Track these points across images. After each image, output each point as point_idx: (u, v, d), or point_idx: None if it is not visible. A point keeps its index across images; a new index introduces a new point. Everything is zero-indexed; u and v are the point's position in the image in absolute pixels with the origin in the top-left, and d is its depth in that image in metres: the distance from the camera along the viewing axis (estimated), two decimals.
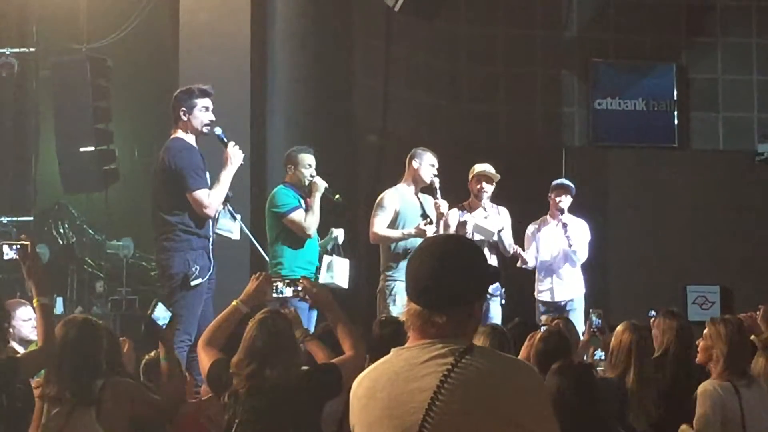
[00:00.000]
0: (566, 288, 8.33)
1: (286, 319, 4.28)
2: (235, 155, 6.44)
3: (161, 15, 10.88)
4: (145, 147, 11.53)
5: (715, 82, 12.13)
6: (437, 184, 7.50)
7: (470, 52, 11.78)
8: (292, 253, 7.07)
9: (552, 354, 4.61)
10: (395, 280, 7.26)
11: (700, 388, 4.63)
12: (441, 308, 2.43)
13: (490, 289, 7.41)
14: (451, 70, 11.71)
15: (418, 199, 7.57)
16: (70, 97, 10.58)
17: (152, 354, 5.08)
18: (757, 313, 5.60)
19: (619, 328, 5.13)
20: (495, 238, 7.92)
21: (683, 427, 4.64)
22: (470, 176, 8.06)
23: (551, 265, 8.35)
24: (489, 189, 8.00)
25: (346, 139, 9.81)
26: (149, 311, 4.64)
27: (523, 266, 8.31)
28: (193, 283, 6.18)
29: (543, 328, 5.48)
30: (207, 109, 6.44)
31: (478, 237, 7.75)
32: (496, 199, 8.10)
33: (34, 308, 4.46)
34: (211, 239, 6.41)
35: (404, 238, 7.36)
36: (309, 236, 7.09)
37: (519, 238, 8.32)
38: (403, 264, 6.86)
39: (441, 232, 7.46)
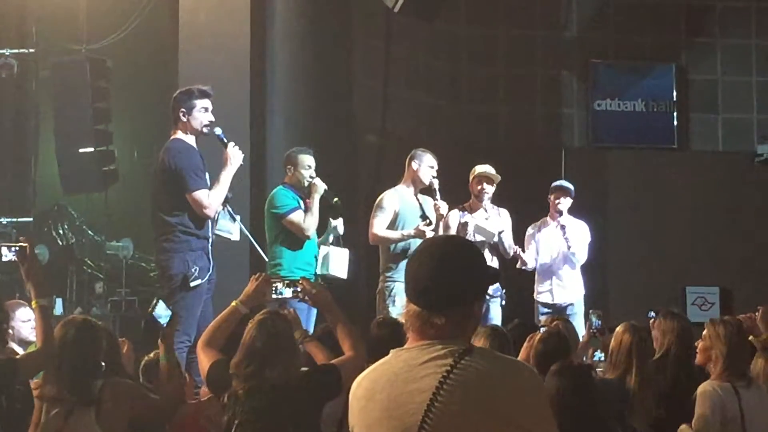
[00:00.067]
0: (566, 289, 8.33)
1: (285, 320, 4.28)
2: (235, 155, 6.44)
3: (161, 15, 10.88)
4: (144, 148, 11.52)
5: (715, 83, 12.13)
6: (437, 186, 7.50)
7: (470, 53, 11.78)
8: (291, 254, 7.07)
9: (551, 355, 4.61)
10: (395, 281, 7.26)
11: (700, 389, 4.64)
12: (440, 309, 2.43)
13: (490, 290, 7.43)
14: (451, 70, 11.71)
15: (418, 200, 7.57)
16: (70, 97, 10.58)
17: (151, 355, 5.08)
18: (756, 314, 5.60)
19: (619, 329, 5.13)
20: (495, 239, 7.92)
21: (683, 427, 4.65)
22: (471, 177, 8.06)
23: (551, 267, 8.35)
24: (490, 190, 8.00)
25: (345, 140, 9.81)
26: (150, 309, 4.64)
27: (523, 267, 8.31)
28: (192, 284, 6.18)
29: (542, 329, 5.47)
30: (206, 109, 6.44)
31: (478, 238, 7.75)
32: (495, 199, 8.10)
33: (33, 310, 4.46)
34: (210, 240, 6.41)
35: (403, 238, 7.36)
36: (308, 237, 7.09)
37: (519, 238, 8.31)
38: (403, 265, 6.84)
39: (441, 233, 7.45)
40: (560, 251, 8.32)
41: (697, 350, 4.85)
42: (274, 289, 4.52)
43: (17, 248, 4.31)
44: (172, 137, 6.45)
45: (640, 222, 11.54)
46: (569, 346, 5.13)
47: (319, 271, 7.08)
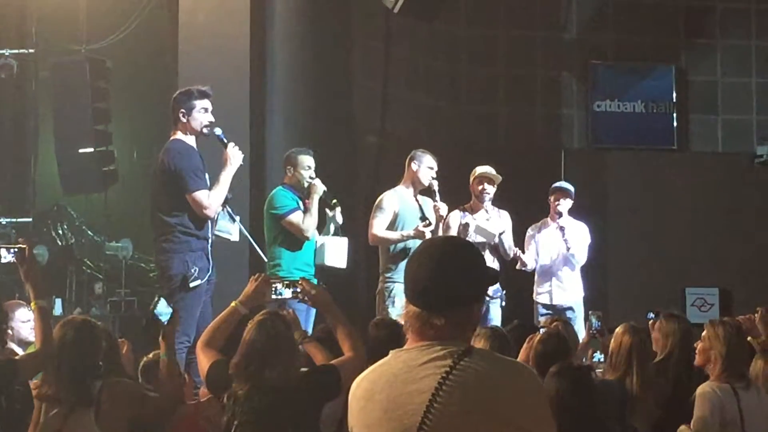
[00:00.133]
0: (565, 291, 8.33)
1: (285, 320, 4.28)
2: (235, 156, 6.44)
3: (160, 16, 10.88)
4: (144, 148, 11.53)
5: (715, 84, 12.13)
6: (436, 187, 7.50)
7: (470, 54, 11.79)
8: (290, 254, 7.07)
9: (551, 356, 4.61)
10: (394, 282, 7.26)
11: (699, 390, 4.64)
12: (440, 310, 2.43)
13: (491, 291, 7.44)
14: (451, 71, 11.71)
15: (417, 201, 7.57)
16: (70, 98, 10.58)
17: (150, 356, 5.07)
18: (755, 315, 5.59)
19: (619, 330, 5.13)
20: (496, 240, 7.92)
21: (682, 428, 4.64)
22: (472, 178, 8.06)
23: (550, 268, 8.35)
24: (491, 190, 8.00)
25: (345, 140, 9.82)
26: (151, 307, 4.65)
27: (523, 269, 8.31)
28: (192, 285, 6.18)
29: (542, 330, 5.47)
30: (206, 110, 6.44)
31: (479, 239, 7.75)
32: (495, 201, 8.10)
33: (32, 310, 4.46)
34: (210, 241, 6.41)
35: (403, 239, 7.36)
36: (307, 238, 7.09)
37: (518, 240, 8.31)
38: (402, 265, 6.85)
39: (441, 234, 7.46)
40: (560, 252, 8.32)
41: (696, 351, 4.85)
42: (273, 289, 4.52)
43: (16, 250, 4.31)
44: (171, 138, 6.45)
45: (640, 223, 11.54)
46: (569, 347, 5.13)
47: (316, 262, 7.09)
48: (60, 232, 11.80)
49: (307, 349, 4.66)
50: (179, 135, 6.42)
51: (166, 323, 4.62)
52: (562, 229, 8.29)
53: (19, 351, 5.29)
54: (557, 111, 12.00)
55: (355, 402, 2.50)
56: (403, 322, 2.53)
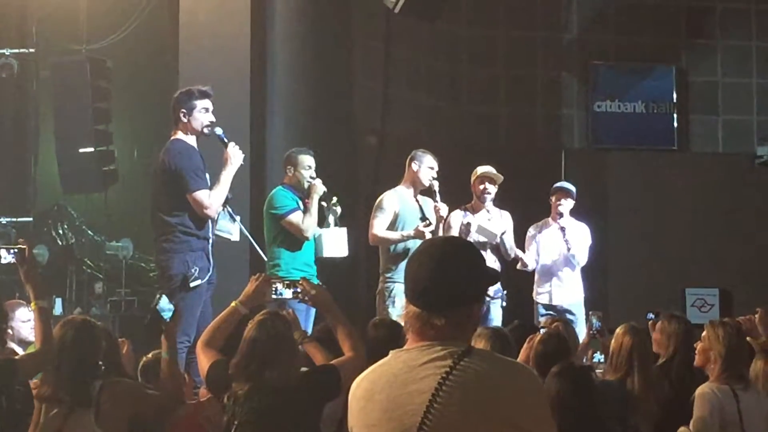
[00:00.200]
0: (566, 291, 8.32)
1: (285, 320, 4.28)
2: (235, 155, 6.44)
3: (161, 16, 10.88)
4: (144, 148, 11.52)
5: (715, 84, 12.14)
6: (436, 187, 7.49)
7: (470, 54, 11.79)
8: (289, 255, 7.06)
9: (551, 356, 4.61)
10: (394, 282, 7.25)
11: (698, 391, 4.63)
12: (440, 310, 2.43)
13: (492, 291, 7.44)
14: (451, 71, 11.72)
15: (418, 201, 7.56)
16: (70, 97, 10.58)
17: (150, 355, 5.07)
18: (755, 316, 5.59)
19: (619, 330, 5.13)
20: (497, 240, 7.91)
21: (682, 429, 4.64)
22: (473, 178, 8.06)
23: (551, 268, 8.35)
24: (492, 190, 8.00)
25: (345, 140, 9.82)
26: (153, 303, 4.65)
27: (524, 269, 8.31)
28: (192, 285, 6.18)
29: (542, 331, 5.47)
30: (207, 110, 6.44)
31: (481, 238, 7.75)
32: (495, 201, 8.10)
33: (32, 311, 4.45)
34: (210, 240, 6.41)
35: (403, 239, 7.36)
36: (307, 238, 7.08)
37: (519, 239, 8.31)
38: (403, 266, 6.85)
39: (442, 234, 7.45)
40: (561, 253, 8.31)
41: (696, 351, 4.85)
42: (273, 289, 4.52)
43: (16, 250, 4.31)
44: (172, 138, 6.45)
45: (640, 223, 11.54)
46: (569, 347, 5.13)
47: (316, 256, 7.09)
48: (60, 231, 11.80)
49: (306, 350, 4.65)
50: (180, 135, 6.42)
51: (168, 320, 4.63)
52: (563, 229, 8.28)
53: (20, 351, 5.29)
54: (558, 111, 12.00)
55: (355, 402, 2.50)
56: (403, 323, 2.53)
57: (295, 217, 7.03)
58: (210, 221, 6.40)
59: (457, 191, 8.07)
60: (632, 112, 12.03)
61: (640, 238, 11.45)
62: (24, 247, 4.34)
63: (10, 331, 5.20)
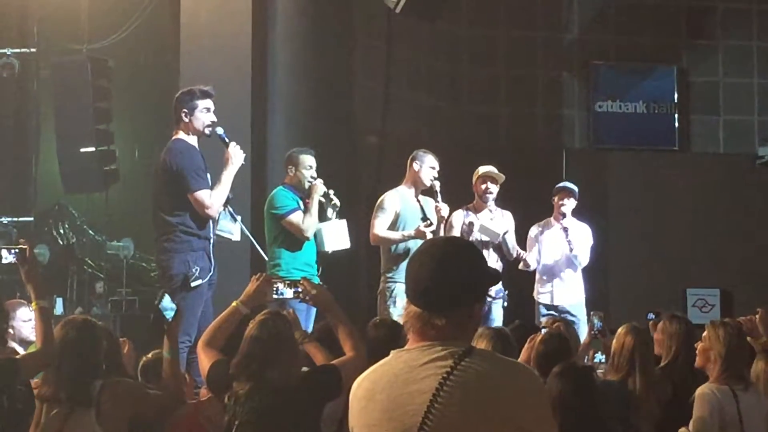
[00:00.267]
0: (567, 291, 8.31)
1: (286, 320, 4.28)
2: (236, 155, 6.43)
3: (162, 15, 10.88)
4: (145, 147, 11.54)
5: (716, 84, 12.14)
6: (438, 187, 7.49)
7: (471, 54, 11.79)
8: (290, 255, 7.06)
9: (552, 356, 4.61)
10: (395, 282, 7.25)
11: (698, 391, 4.62)
12: (441, 310, 2.43)
13: (493, 291, 7.44)
14: (452, 71, 11.72)
15: (419, 201, 7.56)
16: (71, 97, 10.59)
17: (150, 355, 5.07)
18: (756, 316, 5.59)
19: (621, 330, 5.13)
20: (500, 239, 7.91)
21: (681, 429, 4.64)
22: (475, 178, 8.05)
23: (553, 268, 8.33)
24: (494, 190, 8.00)
25: (346, 140, 9.82)
26: (156, 302, 4.65)
27: (526, 269, 8.31)
28: (193, 284, 6.17)
29: (543, 331, 5.47)
30: (208, 110, 6.43)
31: (483, 238, 7.75)
32: (496, 201, 8.09)
33: (33, 311, 4.46)
34: (211, 240, 6.40)
35: (404, 239, 7.35)
36: (307, 238, 7.07)
37: (520, 239, 8.31)
38: (404, 266, 6.82)
39: (444, 234, 7.45)
40: (563, 253, 8.30)
41: (697, 351, 4.84)
42: (275, 289, 4.52)
43: (17, 250, 4.31)
44: (173, 137, 6.45)
45: (641, 224, 11.54)
46: (570, 347, 5.13)
47: (318, 251, 7.10)
48: (61, 231, 11.82)
49: (307, 350, 4.65)
50: (181, 135, 6.42)
51: (170, 320, 4.63)
52: (566, 230, 8.27)
53: (21, 350, 5.29)
54: (558, 111, 12.00)
55: (356, 402, 2.50)
56: (403, 323, 2.53)
57: (296, 217, 7.03)
58: (211, 221, 6.40)
59: (458, 191, 8.07)
60: (633, 112, 12.03)
61: (641, 239, 11.45)
62: (25, 246, 4.34)
63: (11, 330, 5.21)
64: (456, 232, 7.83)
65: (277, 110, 9.65)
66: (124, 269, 11.01)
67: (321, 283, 5.74)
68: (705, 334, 4.78)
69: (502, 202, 8.16)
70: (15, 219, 10.73)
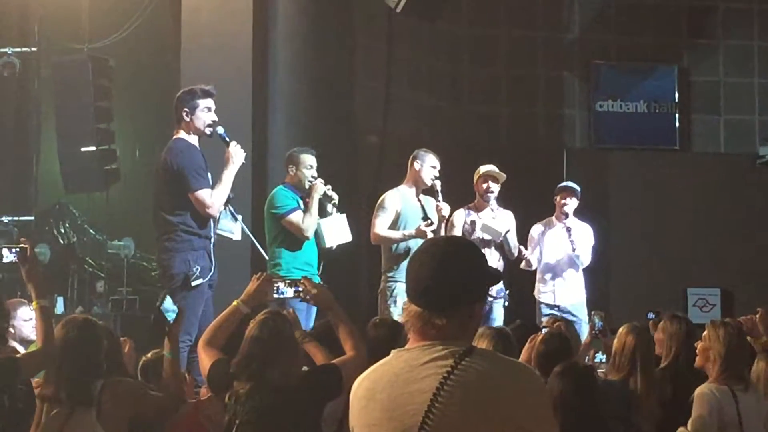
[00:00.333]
0: (568, 291, 8.31)
1: (287, 320, 4.28)
2: (237, 154, 6.43)
3: (163, 15, 10.89)
4: (146, 147, 11.54)
5: (717, 84, 12.14)
6: (438, 187, 7.49)
7: (472, 54, 11.80)
8: (290, 254, 7.06)
9: (553, 356, 4.61)
10: (396, 281, 7.25)
11: (697, 391, 4.62)
12: (441, 310, 2.43)
13: (494, 290, 7.44)
14: (453, 71, 11.72)
15: (420, 201, 7.56)
16: (72, 96, 10.58)
17: (149, 355, 5.07)
18: (756, 316, 5.58)
19: (622, 330, 5.13)
20: (502, 238, 7.91)
21: (680, 429, 4.64)
22: (476, 177, 8.05)
23: (554, 268, 8.33)
24: (495, 189, 8.00)
25: (347, 140, 9.82)
26: (158, 303, 4.65)
27: (527, 268, 8.31)
28: (194, 284, 6.17)
29: (544, 330, 5.47)
30: (209, 109, 6.44)
31: (485, 237, 7.75)
32: (498, 200, 8.09)
33: (33, 310, 4.46)
34: (212, 240, 6.41)
35: (405, 239, 7.35)
36: (307, 238, 7.08)
37: (521, 239, 8.31)
38: (404, 265, 6.80)
39: (445, 233, 7.45)
40: (565, 253, 8.30)
41: (697, 351, 4.84)
42: (275, 288, 4.52)
43: (18, 249, 4.32)
44: (174, 137, 6.45)
45: (642, 223, 11.54)
46: (571, 347, 5.13)
47: (320, 247, 7.10)
48: (62, 230, 11.82)
49: (307, 349, 4.64)
50: (182, 134, 6.42)
51: (171, 321, 4.63)
52: (569, 229, 8.26)
53: (21, 349, 5.28)
54: (559, 111, 12.01)
55: (357, 401, 2.50)
56: (404, 322, 2.53)
57: (296, 217, 7.03)
58: (212, 220, 6.40)
59: (459, 191, 8.07)
60: (634, 111, 12.03)
61: (642, 238, 11.45)
62: (26, 246, 4.34)
63: (11, 329, 5.22)
64: (457, 232, 7.83)
65: (277, 110, 9.65)
66: (125, 268, 11.01)
67: (321, 282, 5.74)
68: (705, 333, 4.78)
69: (502, 201, 8.16)
70: (16, 218, 10.73)
